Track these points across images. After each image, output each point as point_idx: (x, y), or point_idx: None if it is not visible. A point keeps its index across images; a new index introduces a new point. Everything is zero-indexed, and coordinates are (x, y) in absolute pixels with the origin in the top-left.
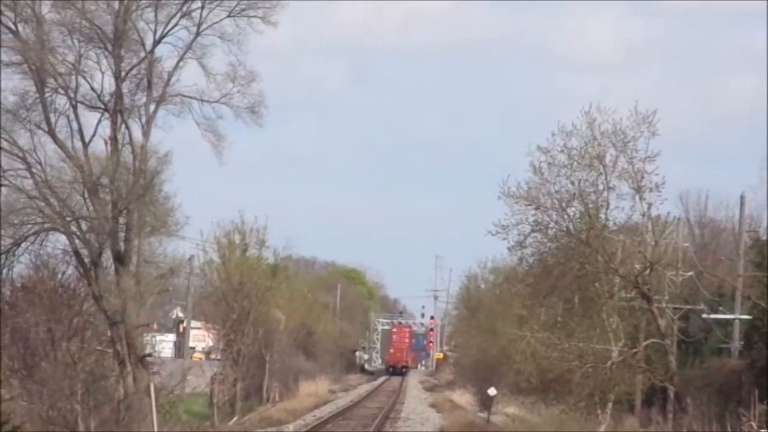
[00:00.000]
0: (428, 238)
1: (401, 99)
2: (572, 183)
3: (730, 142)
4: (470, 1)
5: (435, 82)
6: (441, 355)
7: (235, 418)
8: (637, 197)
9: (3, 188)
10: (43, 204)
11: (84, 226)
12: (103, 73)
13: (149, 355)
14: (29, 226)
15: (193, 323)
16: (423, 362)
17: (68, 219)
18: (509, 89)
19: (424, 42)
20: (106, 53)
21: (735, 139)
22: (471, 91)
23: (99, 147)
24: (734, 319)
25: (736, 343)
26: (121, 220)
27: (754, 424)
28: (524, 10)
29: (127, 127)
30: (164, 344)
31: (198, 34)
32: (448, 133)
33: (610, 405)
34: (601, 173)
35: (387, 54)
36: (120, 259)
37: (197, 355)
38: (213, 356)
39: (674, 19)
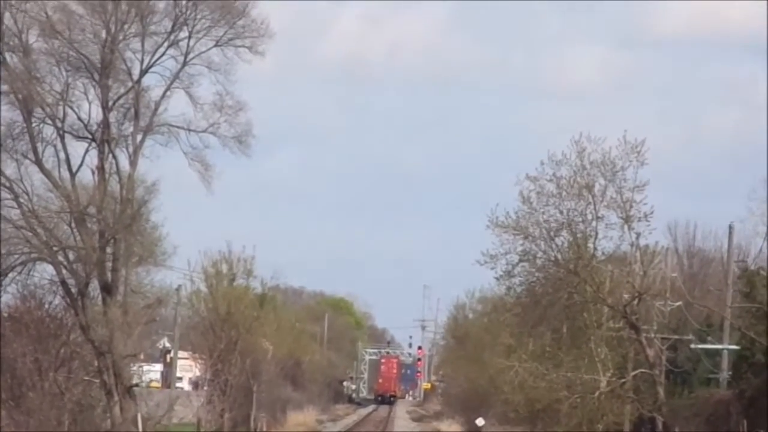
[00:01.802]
0: (416, 268)
1: (388, 129)
2: (561, 212)
3: (717, 173)
4: (456, 31)
5: (421, 112)
6: (429, 385)
7: None
8: (626, 227)
9: None
10: (30, 234)
11: (71, 256)
12: (90, 102)
13: (137, 385)
14: (16, 256)
15: (181, 353)
16: (411, 392)
17: (55, 249)
18: (496, 119)
19: (409, 72)
20: (94, 83)
21: (722, 169)
22: (457, 120)
23: (86, 177)
24: (723, 349)
25: (725, 374)
26: (108, 249)
27: None
28: (511, 41)
29: (114, 157)
30: (151, 374)
31: (185, 63)
32: (435, 162)
33: None
34: (589, 203)
35: (373, 84)
36: (107, 289)
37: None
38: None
39: (660, 52)
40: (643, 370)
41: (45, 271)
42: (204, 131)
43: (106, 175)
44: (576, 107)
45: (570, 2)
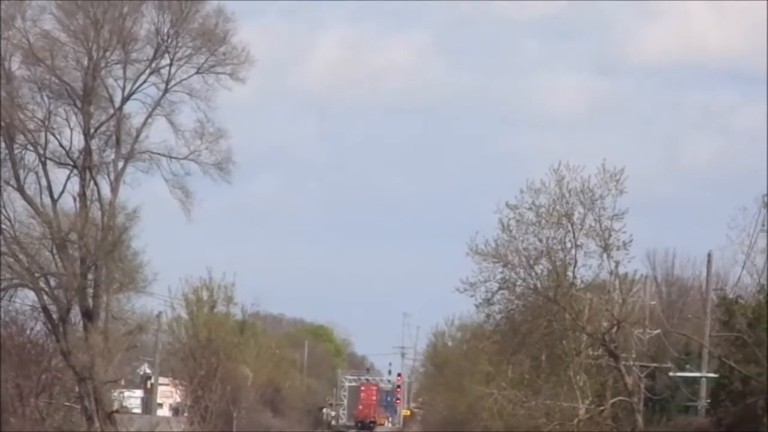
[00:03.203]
0: (396, 296)
1: (369, 156)
2: (540, 240)
3: (696, 201)
4: (436, 59)
5: (402, 139)
6: (408, 412)
7: None
8: (605, 255)
9: None
10: (11, 260)
11: (52, 282)
12: (72, 129)
13: (117, 411)
14: None
15: (161, 379)
16: (390, 419)
17: (37, 275)
18: (476, 147)
19: (390, 100)
20: (76, 110)
21: (700, 197)
22: (438, 148)
23: (68, 203)
24: (701, 377)
25: (703, 401)
26: (90, 276)
27: None
28: (491, 69)
29: (96, 184)
30: (132, 400)
31: (167, 90)
32: (416, 189)
33: None
34: (569, 231)
35: (353, 111)
36: (88, 316)
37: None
38: (173, 409)
39: (638, 80)
40: (621, 397)
41: (26, 297)
42: (185, 158)
43: (88, 202)
44: (555, 135)
45: (549, 29)
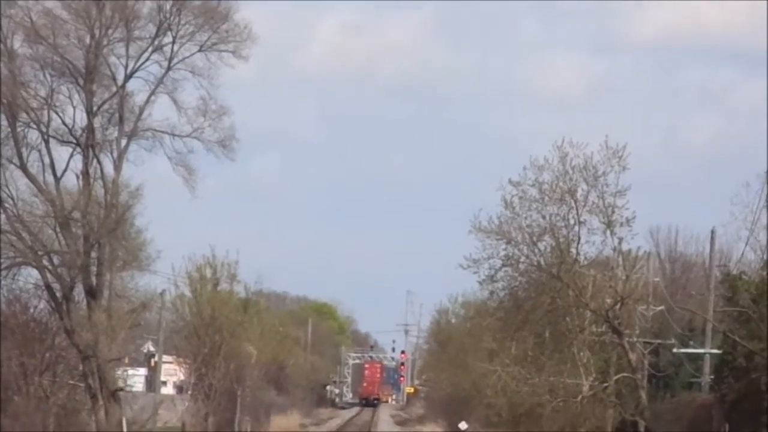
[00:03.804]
0: (399, 273)
1: (370, 134)
2: (543, 217)
3: (697, 179)
4: (436, 38)
5: (403, 118)
6: (412, 389)
7: None
8: (608, 232)
9: None
10: (14, 238)
11: (56, 261)
12: (74, 107)
13: (121, 389)
14: (1, 260)
15: (165, 357)
16: (394, 396)
17: (40, 253)
18: (475, 125)
19: (390, 79)
20: (78, 88)
21: (702, 175)
22: (440, 126)
23: (71, 181)
24: (704, 353)
25: (707, 378)
26: (93, 254)
27: None
28: (490, 48)
29: (99, 162)
30: (135, 378)
31: (169, 68)
32: (418, 167)
33: None
34: (572, 208)
35: (354, 91)
36: (92, 294)
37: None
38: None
39: (638, 58)
40: (625, 374)
41: (30, 276)
42: (188, 136)
43: (91, 180)
44: (554, 114)
45: (548, 8)
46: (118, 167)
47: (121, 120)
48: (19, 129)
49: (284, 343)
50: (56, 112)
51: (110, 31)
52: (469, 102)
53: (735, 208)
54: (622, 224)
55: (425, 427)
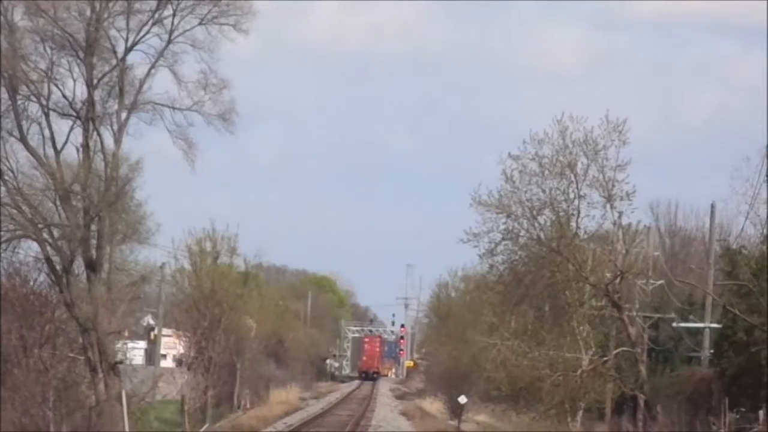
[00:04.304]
0: (399, 247)
1: (370, 109)
2: (543, 191)
3: (698, 153)
4: (435, 14)
5: (403, 93)
6: (412, 363)
7: (206, 426)
8: (608, 206)
9: None
10: (15, 211)
11: (56, 234)
12: (75, 80)
13: (121, 362)
14: (1, 233)
15: (165, 331)
16: (394, 370)
17: (40, 226)
18: (474, 100)
19: (390, 55)
20: (78, 61)
21: (702, 149)
22: (440, 101)
23: (71, 154)
24: (704, 327)
25: (706, 352)
26: (93, 227)
27: None
28: (490, 23)
29: (99, 135)
30: (135, 351)
31: (170, 41)
32: (418, 142)
33: (580, 413)
34: (572, 182)
35: (353, 67)
36: (91, 267)
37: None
38: (177, 360)
39: (637, 34)
40: (624, 348)
41: (30, 249)
42: (188, 109)
43: (91, 153)
44: (554, 89)
45: None
46: (118, 140)
47: (121, 93)
48: (19, 102)
49: (284, 316)
50: (56, 85)
51: (111, 4)
52: (469, 77)
53: (735, 183)
54: (622, 198)
55: (425, 401)
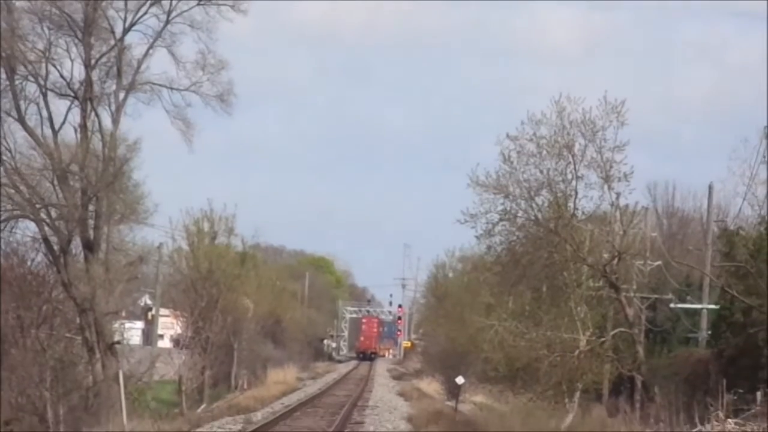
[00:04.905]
0: (396, 227)
1: (367, 90)
2: (541, 172)
3: (696, 134)
4: None
5: (400, 73)
6: (409, 344)
7: (203, 406)
8: (606, 187)
9: None
10: (12, 191)
11: (53, 214)
12: (72, 60)
13: (118, 342)
14: None
15: (162, 311)
16: (391, 350)
17: (38, 206)
18: (472, 80)
19: (385, 33)
20: (76, 41)
21: (700, 130)
22: (437, 82)
23: (69, 134)
24: (702, 308)
25: (704, 333)
26: (91, 207)
27: (721, 414)
28: (486, 4)
29: (97, 115)
30: (132, 332)
31: (168, 22)
32: (416, 122)
33: (577, 394)
34: (569, 162)
35: (351, 46)
36: (89, 247)
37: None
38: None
39: (635, 13)
40: (622, 329)
41: (27, 229)
42: (186, 89)
43: (89, 133)
44: (551, 69)
45: None
46: (116, 120)
47: (119, 73)
48: (17, 82)
49: (281, 296)
50: (54, 66)
51: None
52: (467, 57)
53: (733, 164)
54: (619, 179)
55: (422, 381)
